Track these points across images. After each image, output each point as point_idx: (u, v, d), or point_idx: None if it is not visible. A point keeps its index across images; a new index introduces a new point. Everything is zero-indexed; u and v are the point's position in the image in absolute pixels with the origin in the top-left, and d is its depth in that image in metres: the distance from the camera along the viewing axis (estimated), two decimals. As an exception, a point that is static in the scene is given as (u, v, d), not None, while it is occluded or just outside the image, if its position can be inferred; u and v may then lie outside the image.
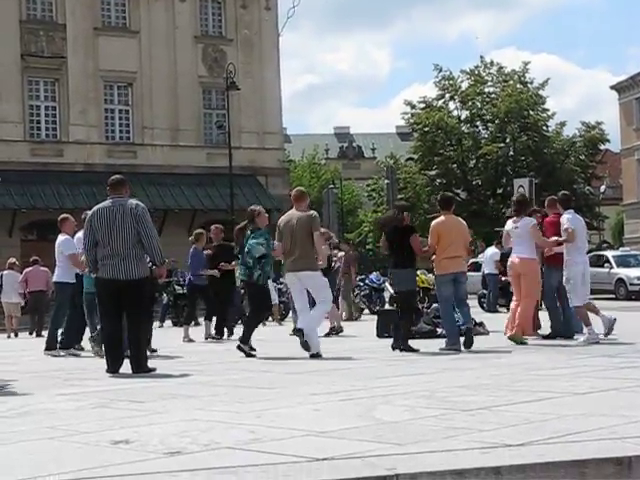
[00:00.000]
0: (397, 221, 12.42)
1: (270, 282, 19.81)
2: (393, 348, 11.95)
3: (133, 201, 10.03)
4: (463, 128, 54.02)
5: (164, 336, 16.66)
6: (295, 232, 11.69)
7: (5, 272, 24.06)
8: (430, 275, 19.03)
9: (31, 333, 22.74)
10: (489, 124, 53.99)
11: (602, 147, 58.40)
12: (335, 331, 16.81)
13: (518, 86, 53.07)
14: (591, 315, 12.66)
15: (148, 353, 11.03)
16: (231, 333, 16.70)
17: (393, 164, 50.87)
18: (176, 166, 39.59)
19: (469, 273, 14.79)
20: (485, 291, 24.83)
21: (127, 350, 10.01)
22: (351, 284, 22.29)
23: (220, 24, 42.68)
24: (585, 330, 12.59)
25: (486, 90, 54.07)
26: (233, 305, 17.80)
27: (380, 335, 14.84)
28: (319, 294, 11.84)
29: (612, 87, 62.64)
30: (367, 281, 27.18)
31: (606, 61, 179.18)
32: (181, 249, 17.00)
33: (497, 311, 22.55)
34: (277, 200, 40.66)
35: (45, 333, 23.16)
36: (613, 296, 31.19)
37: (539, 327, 13.83)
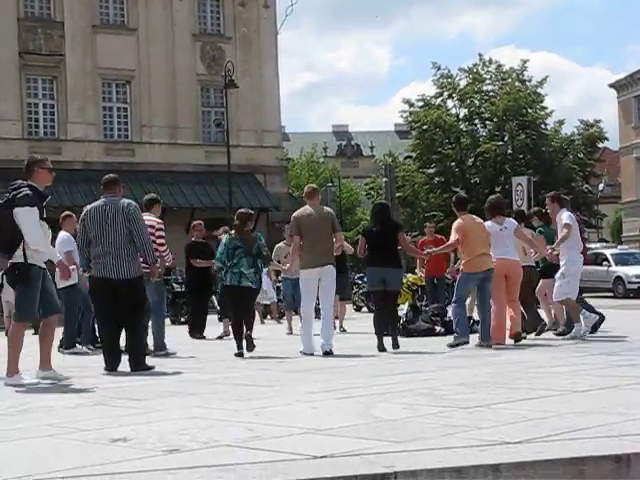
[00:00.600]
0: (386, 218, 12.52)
1: (267, 280, 19.89)
2: (394, 348, 11.89)
3: (125, 200, 10.09)
4: (461, 126, 53.96)
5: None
6: (319, 228, 11.75)
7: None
8: (420, 274, 19.10)
9: (35, 333, 22.95)
10: (487, 122, 53.95)
11: (600, 145, 58.30)
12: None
13: (516, 84, 53.02)
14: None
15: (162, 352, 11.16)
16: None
17: (391, 162, 50.80)
18: (174, 164, 39.56)
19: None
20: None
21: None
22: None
23: (218, 22, 42.64)
24: (576, 325, 12.74)
25: (484, 88, 53.99)
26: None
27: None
28: (330, 290, 11.99)
29: (611, 85, 62.63)
30: (365, 279, 27.19)
31: (605, 59, 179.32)
32: (179, 247, 17.00)
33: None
34: (275, 198, 40.68)
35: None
36: (611, 294, 31.22)
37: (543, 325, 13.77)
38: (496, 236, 12.39)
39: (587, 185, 56.33)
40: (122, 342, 10.27)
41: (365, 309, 26.27)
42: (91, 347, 13.76)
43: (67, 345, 13.60)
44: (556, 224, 13.31)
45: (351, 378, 8.46)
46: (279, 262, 16.76)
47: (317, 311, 13.16)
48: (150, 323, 12.54)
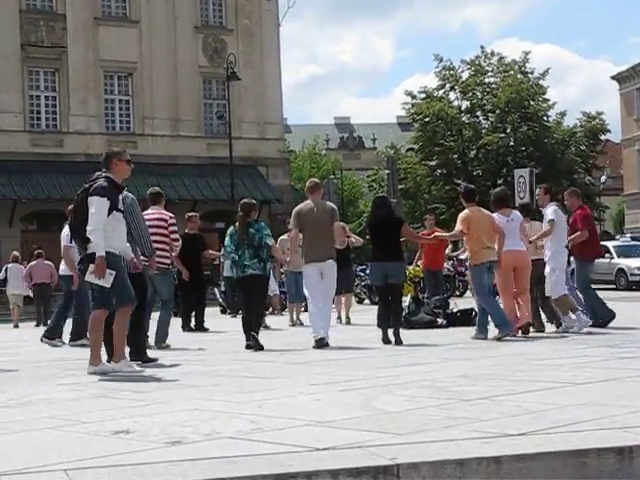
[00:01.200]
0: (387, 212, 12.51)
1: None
2: (396, 342, 11.87)
3: (123, 192, 10.05)
4: (463, 118, 53.93)
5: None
6: (320, 223, 11.76)
7: (10, 265, 25.28)
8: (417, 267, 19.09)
9: (38, 324, 23.35)
10: (489, 114, 53.92)
11: (603, 137, 58.31)
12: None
13: (519, 76, 52.98)
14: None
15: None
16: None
17: (393, 154, 50.77)
18: (176, 156, 39.55)
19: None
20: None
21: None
22: None
23: (220, 14, 42.58)
24: (566, 318, 12.76)
25: (486, 80, 53.97)
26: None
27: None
28: (332, 283, 12.02)
29: (613, 77, 62.53)
30: (367, 271, 27.19)
31: (608, 51, 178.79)
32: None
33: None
34: (277, 190, 40.67)
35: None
36: (614, 286, 31.20)
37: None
38: (504, 228, 12.38)
39: (589, 177, 56.33)
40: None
41: (367, 301, 26.31)
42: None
43: (73, 337, 13.61)
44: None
45: (353, 370, 8.46)
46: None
47: None
48: (159, 316, 12.59)
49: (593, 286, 14.17)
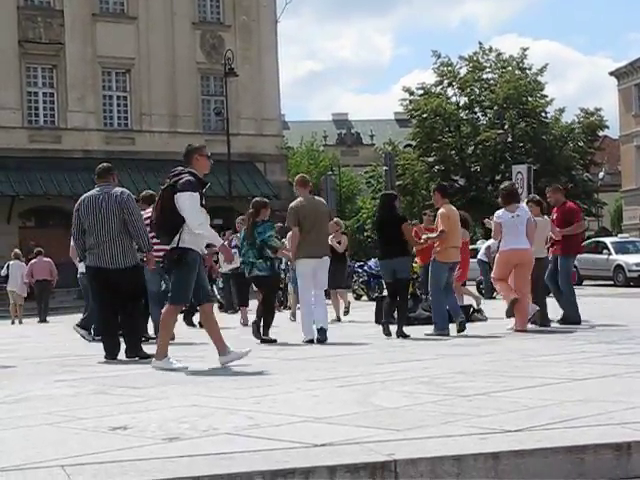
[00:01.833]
0: (390, 210, 12.58)
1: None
2: (398, 335, 11.93)
3: (119, 189, 10.08)
4: (461, 114, 53.94)
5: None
6: (315, 218, 11.84)
7: (11, 262, 25.70)
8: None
9: (40, 320, 23.90)
10: (487, 110, 53.92)
11: (601, 133, 58.32)
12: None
13: (517, 72, 52.98)
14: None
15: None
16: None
17: (391, 151, 50.77)
18: (174, 152, 39.35)
19: (471, 260, 14.87)
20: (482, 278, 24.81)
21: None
22: None
23: (218, 10, 42.56)
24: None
25: (484, 76, 53.99)
26: None
27: (379, 321, 14.85)
28: (323, 279, 12.08)
29: (611, 73, 62.45)
30: (365, 268, 27.19)
31: (607, 47, 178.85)
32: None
33: (493, 297, 22.52)
34: (275, 187, 40.64)
35: (49, 319, 24.31)
36: (612, 283, 31.21)
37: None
38: (508, 224, 12.34)
39: (587, 173, 56.34)
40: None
41: (365, 297, 26.30)
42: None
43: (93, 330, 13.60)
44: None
45: (351, 366, 8.46)
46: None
47: None
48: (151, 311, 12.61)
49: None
